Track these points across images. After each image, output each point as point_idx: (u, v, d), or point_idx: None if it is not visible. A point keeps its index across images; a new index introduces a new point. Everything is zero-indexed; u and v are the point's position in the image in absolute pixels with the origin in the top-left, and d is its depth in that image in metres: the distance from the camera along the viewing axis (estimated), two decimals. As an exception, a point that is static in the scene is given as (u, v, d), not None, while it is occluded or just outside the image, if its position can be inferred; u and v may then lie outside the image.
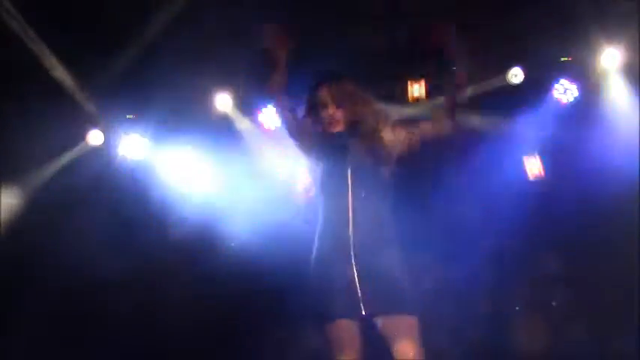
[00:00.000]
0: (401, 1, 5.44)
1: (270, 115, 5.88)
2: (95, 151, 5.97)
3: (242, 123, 5.98)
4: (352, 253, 3.09)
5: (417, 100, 5.63)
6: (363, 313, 3.06)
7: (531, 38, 5.27)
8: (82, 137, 5.94)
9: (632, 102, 5.46)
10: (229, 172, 5.96)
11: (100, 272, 5.80)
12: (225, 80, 5.85)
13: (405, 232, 3.14)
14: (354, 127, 3.27)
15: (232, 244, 5.88)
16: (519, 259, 5.79)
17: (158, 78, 5.62)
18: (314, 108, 3.30)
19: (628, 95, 5.47)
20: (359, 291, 3.06)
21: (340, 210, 3.15)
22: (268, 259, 5.71)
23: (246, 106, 5.96)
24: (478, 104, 5.49)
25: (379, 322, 3.09)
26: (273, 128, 5.86)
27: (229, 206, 5.88)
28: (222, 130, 5.94)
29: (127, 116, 6.03)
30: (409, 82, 5.64)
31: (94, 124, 5.94)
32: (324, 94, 3.29)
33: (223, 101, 5.92)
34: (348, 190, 3.16)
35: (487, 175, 5.62)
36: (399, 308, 3.08)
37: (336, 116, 3.26)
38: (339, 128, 3.26)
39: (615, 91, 5.50)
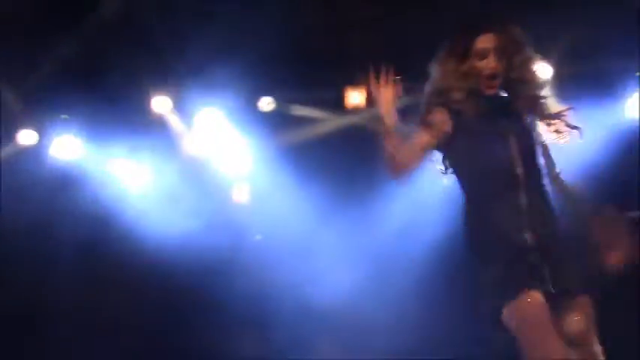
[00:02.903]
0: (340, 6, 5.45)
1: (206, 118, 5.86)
2: (27, 151, 5.82)
3: (179, 125, 5.93)
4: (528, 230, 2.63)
5: (356, 108, 5.67)
6: (552, 290, 2.59)
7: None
8: (12, 137, 5.79)
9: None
10: (164, 175, 5.91)
11: (32, 274, 5.68)
12: (164, 81, 5.80)
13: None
14: (514, 88, 2.75)
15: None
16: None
17: (94, 77, 5.53)
18: (464, 59, 2.72)
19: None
20: (545, 265, 2.61)
21: (510, 208, 2.64)
22: (200, 261, 5.69)
23: (184, 107, 5.91)
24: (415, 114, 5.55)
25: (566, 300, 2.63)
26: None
27: (163, 208, 5.82)
28: (159, 132, 5.88)
29: (62, 116, 5.91)
30: (348, 89, 5.64)
31: (26, 124, 5.80)
32: (484, 41, 2.71)
33: (161, 103, 5.86)
34: (517, 178, 2.65)
35: (418, 186, 5.65)
36: (583, 286, 2.67)
37: (497, 70, 2.70)
38: (494, 88, 2.73)
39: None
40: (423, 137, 2.76)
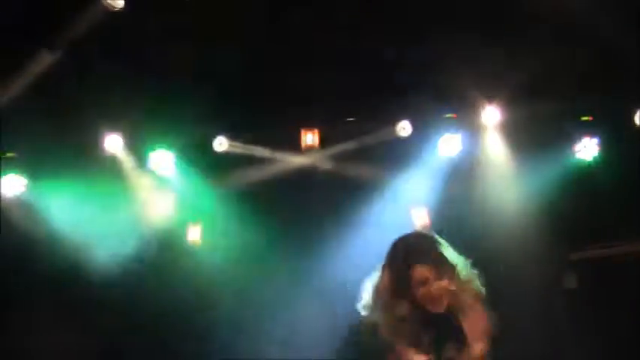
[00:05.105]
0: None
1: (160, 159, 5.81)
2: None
3: (130, 165, 5.87)
4: None
5: (310, 148, 5.71)
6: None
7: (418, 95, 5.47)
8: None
9: (507, 155, 5.74)
10: (113, 214, 5.80)
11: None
12: (116, 121, 5.74)
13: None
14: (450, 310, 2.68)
15: None
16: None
17: (44, 115, 5.45)
18: (403, 288, 2.68)
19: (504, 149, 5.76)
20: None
21: None
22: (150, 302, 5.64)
23: (136, 148, 5.85)
24: (367, 155, 5.64)
25: None
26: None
27: (112, 247, 5.71)
28: (111, 171, 5.79)
29: (8, 154, 5.78)
30: (302, 131, 5.69)
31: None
32: (421, 270, 2.68)
33: (113, 143, 5.80)
34: None
35: (373, 226, 5.68)
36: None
37: (440, 291, 2.66)
38: (438, 309, 2.68)
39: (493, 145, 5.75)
40: None
